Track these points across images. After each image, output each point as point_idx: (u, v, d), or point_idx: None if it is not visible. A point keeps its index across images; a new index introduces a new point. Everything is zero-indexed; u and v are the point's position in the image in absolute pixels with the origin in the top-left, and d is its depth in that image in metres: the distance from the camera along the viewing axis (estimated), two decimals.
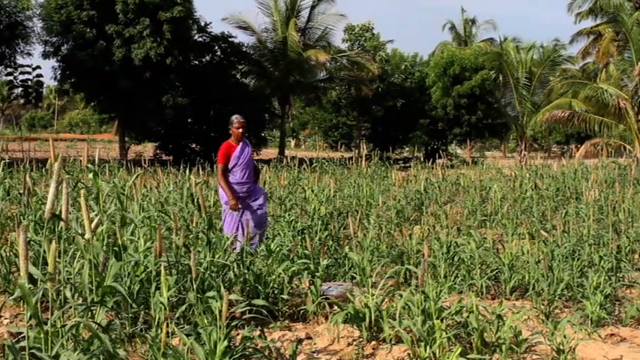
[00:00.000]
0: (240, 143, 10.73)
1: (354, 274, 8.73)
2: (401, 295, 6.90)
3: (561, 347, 6.37)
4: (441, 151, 44.77)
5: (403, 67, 51.71)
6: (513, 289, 9.58)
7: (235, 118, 10.80)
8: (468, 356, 6.09)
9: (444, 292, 6.81)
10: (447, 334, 6.16)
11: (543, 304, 8.54)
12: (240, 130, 10.72)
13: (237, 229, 10.29)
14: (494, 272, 9.74)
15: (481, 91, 46.37)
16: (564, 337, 6.40)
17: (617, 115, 34.12)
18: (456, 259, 9.82)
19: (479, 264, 9.76)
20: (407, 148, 59.92)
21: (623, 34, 35.71)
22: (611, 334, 8.09)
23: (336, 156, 29.06)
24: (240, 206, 10.39)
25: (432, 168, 24.91)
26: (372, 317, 6.99)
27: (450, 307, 6.59)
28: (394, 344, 6.73)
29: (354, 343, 7.02)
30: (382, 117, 50.77)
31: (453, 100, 46.91)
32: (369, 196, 16.90)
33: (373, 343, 6.98)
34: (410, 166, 26.47)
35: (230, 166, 10.56)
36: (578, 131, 54.78)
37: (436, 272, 9.40)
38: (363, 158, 23.05)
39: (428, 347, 6.12)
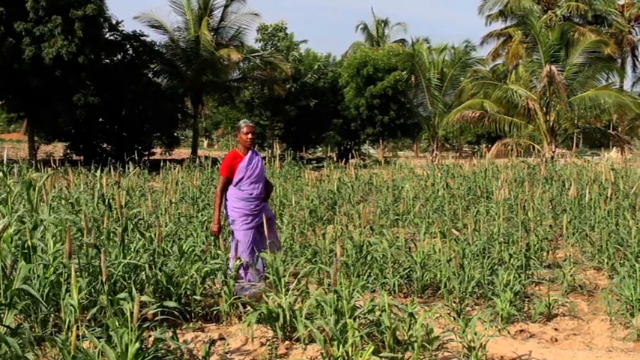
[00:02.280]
0: (249, 152, 9.22)
1: (267, 274, 8.72)
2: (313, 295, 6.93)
3: (472, 344, 6.47)
4: (354, 151, 45.06)
5: (316, 67, 51.85)
6: (425, 288, 9.70)
7: (244, 123, 9.27)
8: (381, 354, 6.13)
9: (356, 291, 6.83)
10: (359, 332, 6.20)
11: (455, 302, 8.66)
12: (250, 137, 9.16)
13: (252, 256, 9.01)
14: (406, 271, 9.83)
15: (394, 91, 46.76)
16: (475, 334, 6.50)
17: (526, 115, 34.77)
18: (368, 258, 9.87)
19: (391, 263, 9.84)
20: (320, 148, 60.15)
21: (532, 36, 36.41)
22: (521, 331, 8.25)
23: None
24: (248, 228, 9.09)
25: (345, 168, 25.04)
26: (286, 317, 6.99)
27: (362, 306, 6.63)
28: (308, 344, 6.75)
29: (268, 343, 7.01)
30: (295, 117, 50.85)
31: (366, 100, 47.21)
32: (283, 195, 16.92)
33: (287, 342, 6.99)
34: (323, 166, 26.54)
35: (236, 179, 9.07)
36: (488, 131, 55.61)
37: (349, 271, 9.45)
38: (277, 158, 23.04)
39: (341, 346, 6.15)
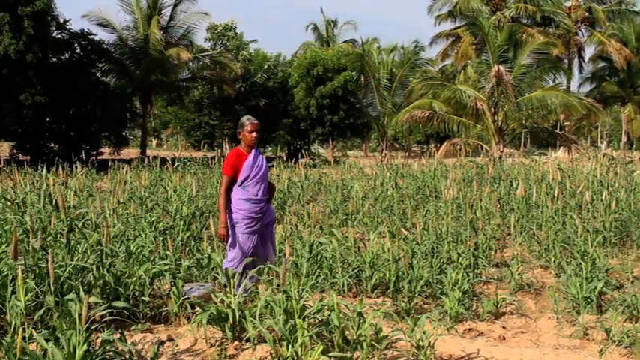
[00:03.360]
0: (253, 151, 8.68)
1: (216, 275, 8.69)
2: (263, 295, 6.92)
3: (421, 343, 6.50)
4: (303, 151, 45.12)
5: (266, 66, 51.79)
6: (374, 287, 9.71)
7: (247, 120, 8.68)
8: (330, 354, 6.14)
9: (306, 291, 6.83)
10: (308, 332, 6.20)
11: (404, 301, 8.71)
12: (254, 135, 8.59)
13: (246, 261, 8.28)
14: (355, 270, 9.85)
15: (343, 91, 46.83)
16: (424, 333, 6.53)
17: (474, 115, 35.03)
18: (318, 258, 9.88)
19: (341, 262, 9.86)
20: (270, 148, 60.02)
21: (480, 37, 36.79)
22: (469, 329, 8.31)
23: (199, 156, 28.80)
24: (249, 232, 8.53)
25: (295, 167, 25.05)
26: (235, 317, 6.97)
27: (311, 306, 6.63)
28: (257, 344, 6.73)
29: (217, 343, 6.98)
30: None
31: (316, 100, 47.23)
32: None
33: (236, 343, 6.97)
34: (272, 166, 26.51)
35: (241, 179, 8.52)
36: (437, 131, 56.00)
37: (299, 271, 9.45)
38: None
39: (290, 346, 6.14)
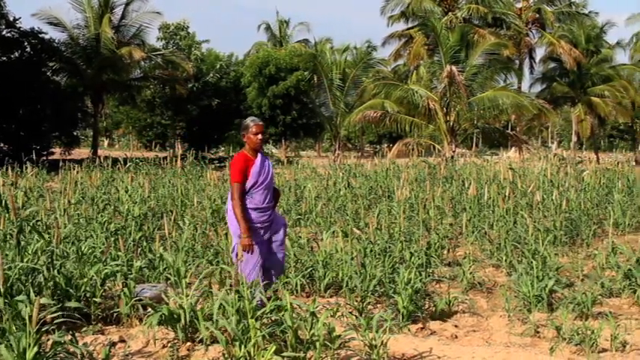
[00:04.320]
0: (259, 155, 8.10)
1: (168, 275, 8.64)
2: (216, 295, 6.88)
3: (373, 342, 6.51)
4: None
5: (218, 66, 51.63)
6: (328, 287, 9.73)
7: (252, 121, 8.08)
8: (283, 354, 6.12)
9: (259, 291, 6.82)
10: (261, 332, 6.18)
11: (356, 301, 8.71)
12: (259, 137, 8.00)
13: (258, 272, 7.96)
14: (308, 270, 9.85)
15: (296, 91, 46.85)
16: (376, 332, 6.54)
17: (427, 115, 35.20)
18: None
19: (294, 262, 9.86)
20: (222, 148, 59.86)
21: (432, 37, 36.94)
22: (422, 328, 8.34)
23: (151, 156, 28.68)
24: (256, 242, 7.94)
25: None
26: (187, 318, 6.93)
27: (265, 306, 6.61)
28: (210, 345, 6.70)
29: (169, 344, 6.94)
30: (197, 116, 50.55)
31: (269, 100, 47.19)
32: (184, 196, 16.79)
33: (189, 344, 6.93)
34: (225, 166, 26.42)
35: (248, 185, 7.93)
36: (390, 131, 56.17)
37: None
38: (178, 158, 22.86)
39: (243, 346, 6.12)
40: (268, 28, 70.36)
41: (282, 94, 46.70)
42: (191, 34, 52.46)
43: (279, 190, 8.78)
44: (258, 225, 7.98)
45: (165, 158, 24.63)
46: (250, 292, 6.82)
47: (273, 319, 6.66)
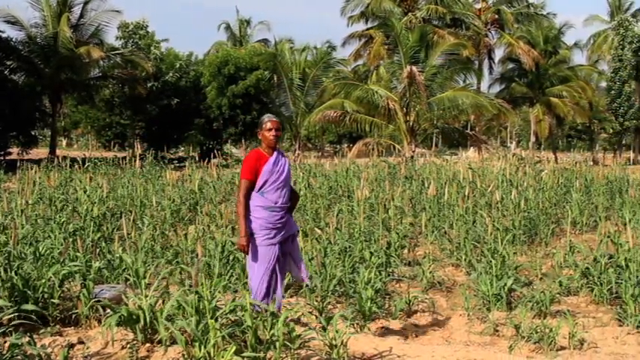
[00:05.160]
0: (275, 152, 7.68)
1: (127, 276, 8.58)
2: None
3: (334, 342, 6.52)
4: (216, 151, 44.70)
5: (178, 65, 51.32)
6: (288, 287, 9.70)
7: (267, 118, 7.74)
8: (243, 354, 6.11)
9: (218, 292, 6.79)
10: (221, 333, 6.16)
11: (317, 301, 8.71)
12: (274, 134, 7.60)
13: (272, 279, 7.51)
14: None
15: (256, 91, 46.67)
16: (336, 332, 6.55)
17: (387, 115, 35.29)
18: (231, 258, 9.84)
19: None
20: (182, 148, 59.54)
21: (392, 37, 37.01)
22: (382, 327, 8.38)
23: (110, 155, 28.43)
24: (267, 244, 7.50)
25: (207, 167, 24.87)
26: (147, 319, 6.89)
27: (224, 307, 6.59)
28: (169, 345, 6.66)
29: (129, 345, 6.89)
30: (157, 116, 50.20)
31: (228, 99, 46.96)
32: (144, 196, 16.70)
33: (148, 345, 6.88)
34: (185, 166, 26.32)
35: (260, 183, 7.54)
36: (350, 131, 56.25)
37: (211, 271, 9.39)
38: (137, 158, 22.72)
39: (202, 347, 6.10)
40: (228, 27, 70.21)
41: (241, 93, 46.47)
42: (150, 33, 52.07)
43: (298, 194, 8.32)
44: (270, 225, 7.52)
45: (124, 158, 24.46)
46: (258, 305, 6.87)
47: (232, 319, 6.64)
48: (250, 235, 7.46)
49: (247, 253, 7.53)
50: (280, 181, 7.58)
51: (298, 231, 8.19)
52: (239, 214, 7.52)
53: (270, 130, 7.58)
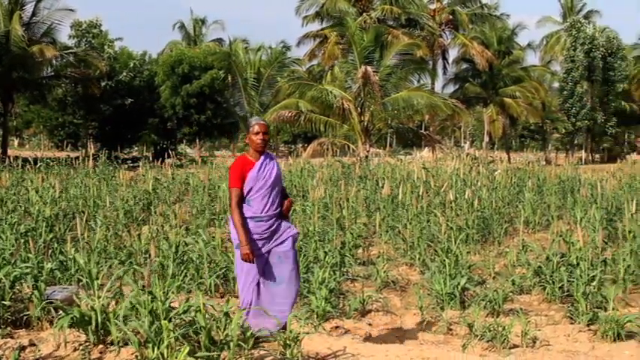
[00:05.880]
0: (262, 157, 7.26)
1: (80, 277, 8.51)
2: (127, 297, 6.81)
3: (288, 342, 6.51)
4: (170, 151, 44.51)
5: (132, 65, 50.98)
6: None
7: (255, 121, 7.31)
8: (196, 355, 6.08)
9: (172, 292, 6.76)
10: (174, 333, 6.12)
11: None
12: (261, 138, 7.19)
13: (253, 290, 7.26)
14: (222, 270, 9.83)
15: (210, 90, 46.53)
16: (291, 331, 6.54)
17: (341, 115, 35.28)
18: (185, 258, 9.81)
19: (207, 263, 9.81)
20: (136, 148, 59.25)
21: (347, 37, 37.02)
22: (336, 327, 8.39)
23: (62, 155, 28.23)
24: (254, 255, 7.06)
25: (161, 167, 24.77)
26: (99, 320, 6.83)
27: (178, 307, 6.56)
28: (122, 347, 6.61)
29: (81, 347, 6.83)
30: (110, 116, 49.79)
31: (182, 99, 46.77)
32: (97, 196, 16.58)
33: (100, 346, 6.82)
34: (139, 166, 26.18)
35: (245, 190, 7.16)
36: (305, 131, 56.25)
37: (165, 272, 9.35)
38: (90, 158, 22.55)
39: (156, 348, 6.06)
40: (183, 27, 69.86)
41: (196, 92, 46.30)
42: (104, 32, 51.66)
43: (291, 199, 7.74)
44: (256, 236, 7.14)
45: (77, 158, 24.31)
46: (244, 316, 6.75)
47: (186, 320, 6.61)
48: (237, 246, 7.12)
49: (252, 262, 7.08)
50: (267, 187, 7.18)
51: (298, 233, 7.64)
52: (236, 223, 7.09)
53: (257, 133, 7.19)
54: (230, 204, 7.19)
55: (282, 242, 7.26)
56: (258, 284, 7.22)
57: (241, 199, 7.15)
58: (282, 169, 7.44)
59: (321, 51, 57.49)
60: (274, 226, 7.22)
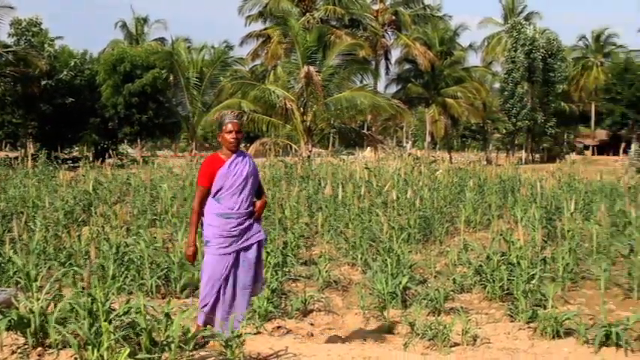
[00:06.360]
0: (233, 155, 7.12)
1: (18, 279, 8.40)
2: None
3: (229, 342, 6.49)
4: (111, 151, 44.09)
5: (72, 64, 50.42)
6: (184, 288, 9.66)
7: (228, 119, 7.20)
8: (137, 357, 6.04)
9: (112, 294, 6.70)
10: (115, 335, 6.07)
11: None
12: (234, 137, 7.07)
13: (220, 292, 7.08)
14: (164, 271, 9.77)
15: (152, 89, 46.23)
16: (232, 332, 6.52)
17: (284, 115, 35.26)
18: (125, 259, 9.73)
19: (149, 264, 9.74)
20: (77, 148, 58.63)
21: (290, 37, 37.02)
22: (278, 327, 8.39)
23: (1, 155, 27.82)
24: (217, 253, 7.03)
25: (102, 168, 24.53)
26: (38, 322, 6.75)
27: (118, 309, 6.50)
28: (61, 349, 6.54)
29: (19, 350, 6.74)
30: (51, 115, 49.20)
31: (124, 98, 46.39)
32: (36, 197, 16.37)
33: (39, 349, 6.74)
34: (79, 166, 25.91)
35: (215, 189, 7.04)
36: (247, 131, 55.96)
37: (105, 273, 9.26)
38: (30, 158, 22.27)
39: (96, 350, 6.00)
40: (124, 25, 69.36)
41: (138, 92, 45.95)
42: (44, 31, 51.04)
43: (266, 199, 7.65)
44: (225, 234, 7.01)
45: (16, 158, 23.97)
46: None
47: (127, 321, 6.56)
48: (206, 243, 7.06)
49: (192, 264, 7.26)
50: (237, 185, 7.04)
51: (265, 239, 7.69)
52: (190, 223, 7.18)
53: (230, 132, 7.07)
54: (194, 201, 7.18)
55: (249, 246, 7.16)
56: (221, 284, 7.06)
57: (205, 198, 7.08)
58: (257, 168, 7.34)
59: (264, 51, 57.46)
60: (245, 225, 7.11)
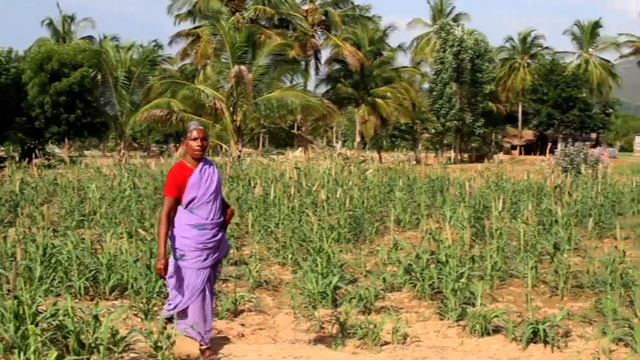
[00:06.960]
0: (200, 164, 6.94)
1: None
2: None
3: (159, 344, 6.44)
4: (38, 151, 43.41)
5: None
6: (113, 289, 9.55)
7: (193, 126, 6.99)
8: (65, 359, 5.96)
9: (39, 296, 6.59)
10: (42, 338, 5.99)
11: (142, 302, 8.59)
12: (199, 144, 6.86)
13: (204, 307, 7.01)
14: (92, 273, 9.64)
15: (80, 88, 45.59)
16: (162, 333, 6.47)
17: (214, 115, 35.19)
18: (53, 261, 9.58)
19: (77, 265, 9.61)
20: (2, 147, 57.69)
21: (220, 37, 36.92)
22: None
23: None
24: (197, 267, 6.88)
25: (29, 168, 24.15)
26: None
27: (45, 311, 6.40)
28: None
29: None
30: None
31: (51, 97, 45.67)
32: None
33: None
34: (5, 166, 25.49)
35: (186, 200, 6.84)
36: (177, 131, 55.86)
37: (32, 275, 9.12)
38: None
39: (22, 354, 5.91)
40: (51, 23, 68.42)
41: (65, 91, 45.26)
42: None
43: (231, 208, 7.42)
44: (201, 246, 6.86)
45: None
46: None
47: (54, 324, 6.47)
48: (180, 257, 6.85)
49: (164, 278, 6.96)
50: (210, 193, 6.90)
51: (228, 251, 7.68)
52: (158, 234, 6.80)
53: (195, 139, 6.86)
54: (161, 212, 6.87)
55: (220, 259, 7.23)
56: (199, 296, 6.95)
57: (173, 209, 6.86)
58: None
59: (194, 50, 57.22)
60: (219, 236, 7.02)
